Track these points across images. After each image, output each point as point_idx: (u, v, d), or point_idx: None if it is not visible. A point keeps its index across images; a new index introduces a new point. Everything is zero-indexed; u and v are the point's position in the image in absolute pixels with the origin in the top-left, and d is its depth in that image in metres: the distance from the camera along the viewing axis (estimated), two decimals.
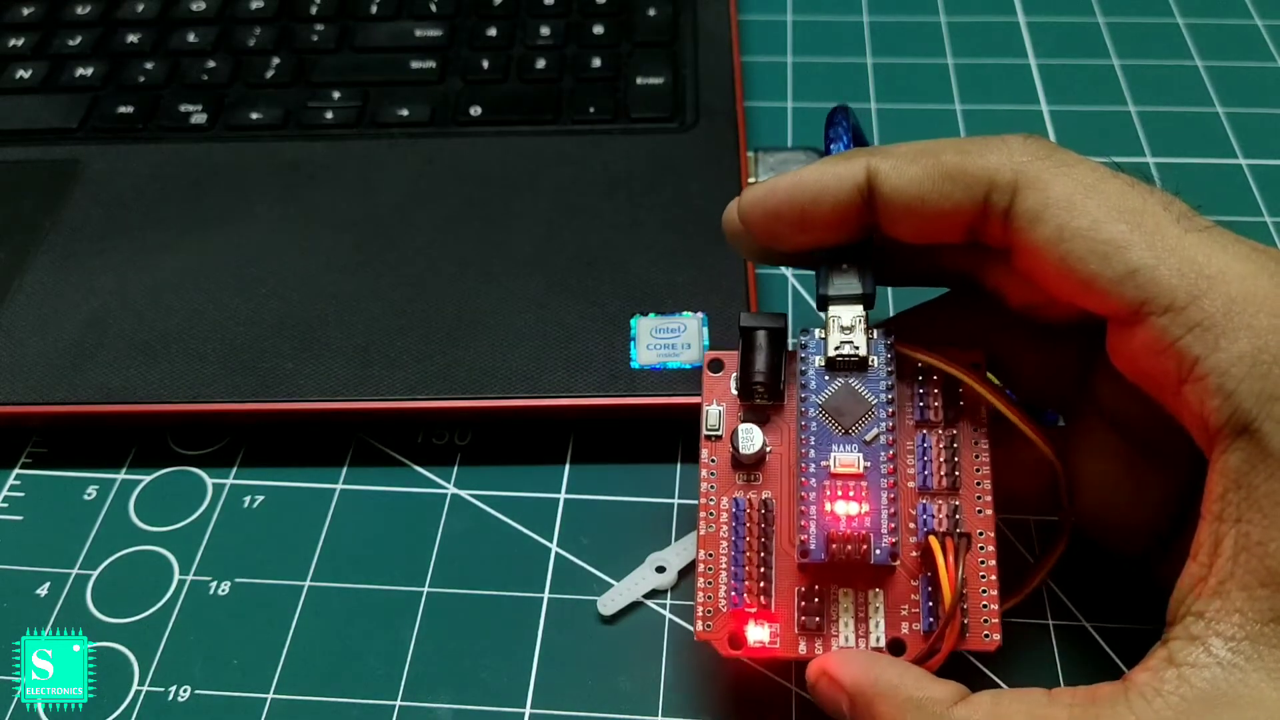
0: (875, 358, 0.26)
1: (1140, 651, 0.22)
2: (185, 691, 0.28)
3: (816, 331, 0.26)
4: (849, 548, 0.24)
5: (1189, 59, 0.46)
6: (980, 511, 0.25)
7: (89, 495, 0.32)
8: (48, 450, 0.33)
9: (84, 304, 0.34)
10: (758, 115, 0.44)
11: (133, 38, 0.45)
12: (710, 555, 0.26)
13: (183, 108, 0.41)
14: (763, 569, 0.25)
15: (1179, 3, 0.49)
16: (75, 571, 0.31)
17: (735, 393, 0.27)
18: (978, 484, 0.26)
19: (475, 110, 0.41)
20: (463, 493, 0.32)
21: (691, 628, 0.28)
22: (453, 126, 0.40)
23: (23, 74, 0.43)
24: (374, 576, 0.30)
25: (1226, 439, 0.20)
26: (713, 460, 0.27)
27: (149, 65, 0.43)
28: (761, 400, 0.27)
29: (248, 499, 0.32)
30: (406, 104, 0.41)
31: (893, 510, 0.25)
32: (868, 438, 0.25)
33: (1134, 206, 0.21)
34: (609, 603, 0.29)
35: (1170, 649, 0.20)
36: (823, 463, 0.25)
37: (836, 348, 0.25)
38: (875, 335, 0.26)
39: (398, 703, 0.27)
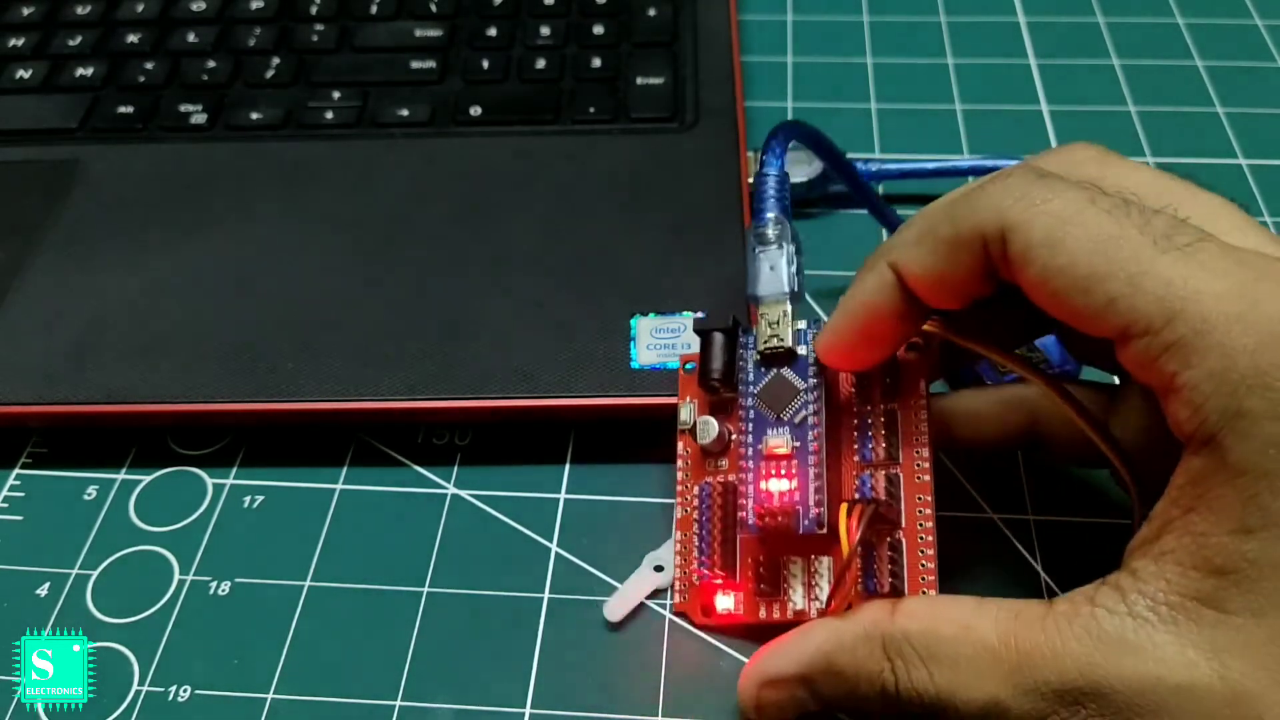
0: (803, 346, 0.28)
1: None
2: (185, 691, 0.28)
3: (754, 329, 0.29)
4: (778, 520, 0.26)
5: (1189, 59, 0.46)
6: (919, 479, 0.27)
7: (89, 495, 0.32)
8: (48, 450, 0.33)
9: (84, 304, 0.34)
10: (758, 115, 0.44)
11: (133, 38, 0.45)
12: (685, 536, 0.29)
13: (183, 108, 0.41)
14: (726, 545, 0.28)
15: (1179, 3, 0.49)
16: (75, 571, 0.31)
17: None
18: (917, 452, 0.27)
19: (475, 110, 0.41)
20: (463, 493, 0.32)
21: (692, 628, 0.28)
22: (453, 126, 0.40)
23: (23, 74, 0.43)
24: (374, 576, 0.30)
25: (1195, 445, 0.21)
26: (686, 451, 0.30)
27: (149, 65, 0.43)
28: (725, 393, 0.29)
29: (248, 499, 0.32)
30: (406, 104, 0.41)
31: (819, 484, 0.26)
32: (796, 420, 0.27)
33: (1110, 234, 0.22)
34: (616, 609, 0.29)
35: (1095, 590, 0.22)
36: (759, 446, 0.27)
37: (765, 342, 0.28)
38: (803, 325, 0.28)
39: (398, 703, 0.27)
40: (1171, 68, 0.46)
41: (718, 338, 0.29)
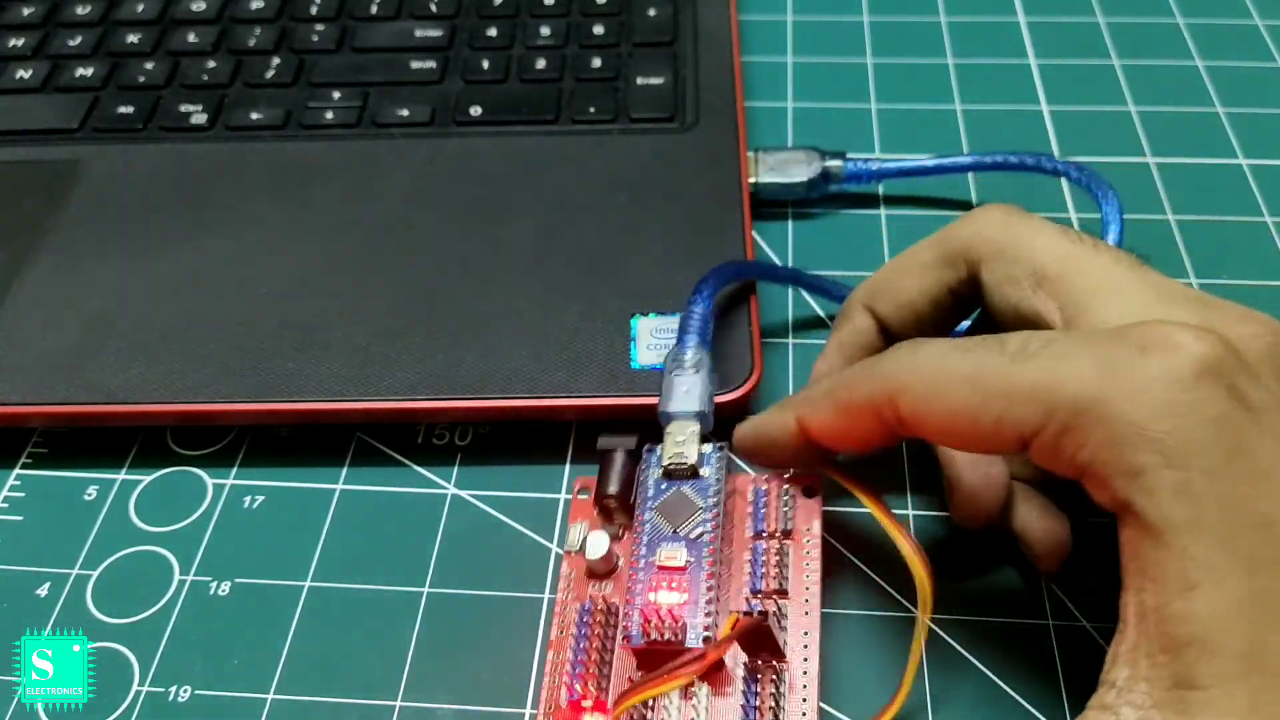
0: (707, 468, 0.28)
1: None
2: (185, 691, 0.28)
3: (659, 447, 0.28)
4: (665, 634, 0.25)
5: (1189, 59, 0.46)
6: (807, 614, 0.27)
7: (89, 495, 0.32)
8: (48, 450, 0.33)
9: (84, 304, 0.34)
10: (758, 115, 0.44)
11: (133, 38, 0.45)
12: (558, 656, 0.27)
13: (183, 108, 0.41)
14: (601, 666, 0.26)
15: (1179, 3, 0.49)
16: (75, 571, 0.31)
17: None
18: (807, 589, 0.27)
19: (475, 110, 0.41)
20: (463, 493, 0.32)
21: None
22: (453, 126, 0.40)
23: (23, 74, 0.43)
24: (374, 576, 0.30)
25: (1120, 519, 0.21)
26: (570, 572, 0.28)
27: (149, 65, 0.43)
28: (618, 518, 0.28)
29: (248, 499, 0.32)
30: (406, 104, 0.41)
31: (710, 597, 0.26)
32: (693, 535, 0.27)
33: (976, 368, 0.23)
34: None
35: (1087, 717, 0.21)
36: (652, 559, 0.27)
37: (671, 458, 0.28)
38: (709, 448, 0.28)
39: (398, 703, 0.27)
40: (1171, 68, 0.46)
41: (618, 457, 0.29)
